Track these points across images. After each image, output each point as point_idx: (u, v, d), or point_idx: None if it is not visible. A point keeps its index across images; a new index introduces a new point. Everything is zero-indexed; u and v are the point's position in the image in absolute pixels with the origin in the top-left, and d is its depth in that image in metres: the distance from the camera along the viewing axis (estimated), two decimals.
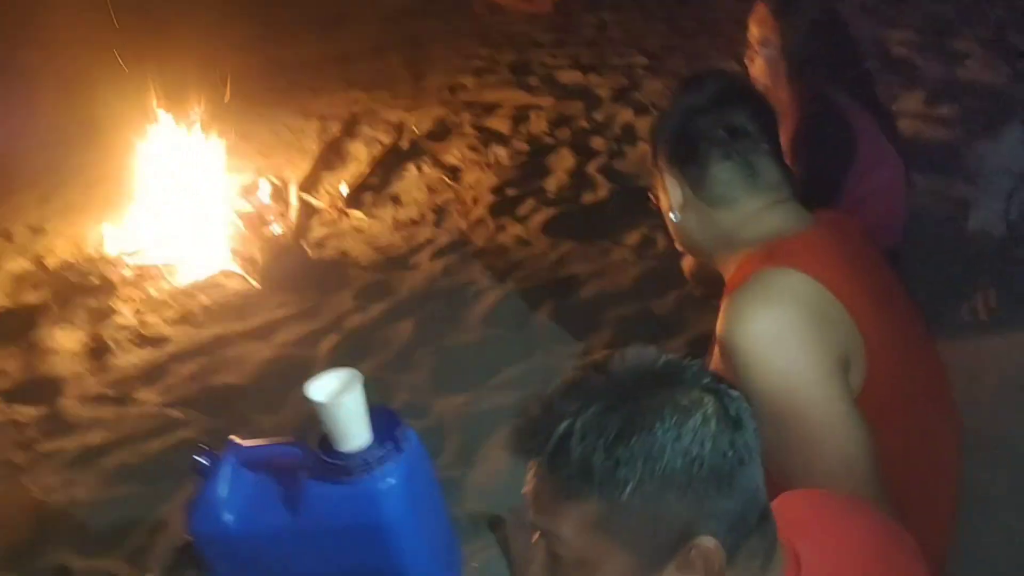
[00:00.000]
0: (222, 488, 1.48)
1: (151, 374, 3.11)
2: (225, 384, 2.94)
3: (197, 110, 4.18)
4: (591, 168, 3.88)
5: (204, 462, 1.50)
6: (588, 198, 3.66)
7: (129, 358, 3.25)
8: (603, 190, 3.68)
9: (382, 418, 1.46)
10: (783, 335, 1.11)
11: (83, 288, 3.78)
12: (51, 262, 4.14)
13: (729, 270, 1.27)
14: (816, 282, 1.13)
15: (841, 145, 2.10)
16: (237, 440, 1.55)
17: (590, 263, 3.17)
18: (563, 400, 0.93)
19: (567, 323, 2.84)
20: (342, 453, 1.39)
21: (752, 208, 1.25)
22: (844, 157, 2.11)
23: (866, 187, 2.13)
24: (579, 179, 3.83)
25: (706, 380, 0.89)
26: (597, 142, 4.07)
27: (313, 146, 4.70)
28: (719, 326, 1.17)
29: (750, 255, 1.23)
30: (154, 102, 4.12)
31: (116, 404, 2.99)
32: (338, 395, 1.37)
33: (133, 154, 4.09)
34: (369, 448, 1.40)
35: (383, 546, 1.43)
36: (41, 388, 3.16)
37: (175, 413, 2.85)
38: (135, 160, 4.09)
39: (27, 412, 3.04)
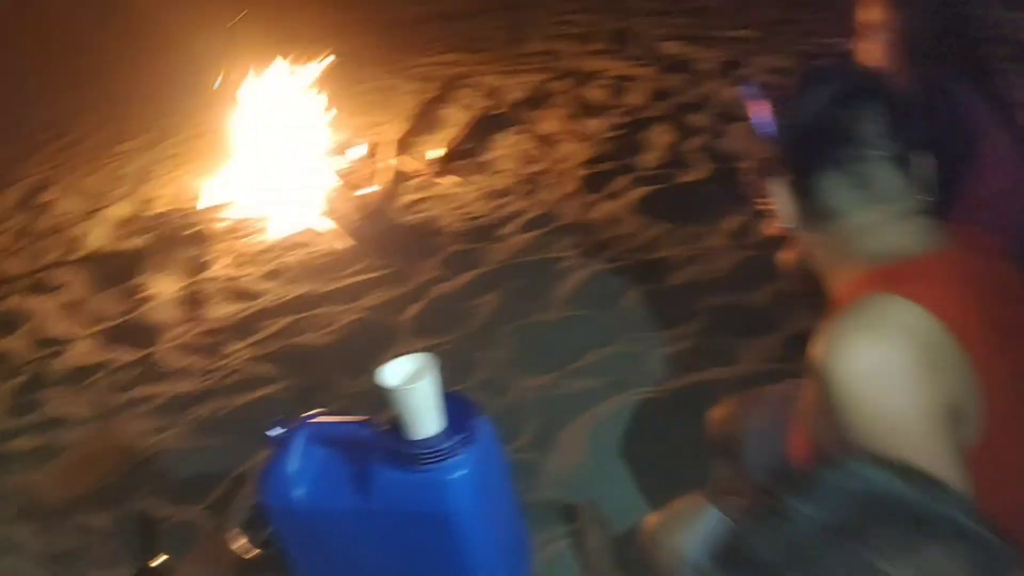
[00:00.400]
0: (293, 462, 1.48)
1: (240, 328, 3.18)
2: (309, 344, 2.98)
3: (299, 67, 4.23)
4: (690, 146, 3.75)
5: (278, 432, 1.51)
6: (685, 177, 3.53)
7: (221, 310, 3.34)
8: (701, 170, 3.55)
9: (456, 405, 1.43)
10: (887, 375, 1.00)
11: (182, 237, 3.90)
12: (154, 209, 4.29)
13: (838, 287, 1.17)
14: (932, 317, 1.02)
15: (958, 141, 1.93)
16: (312, 413, 1.55)
17: (683, 247, 3.06)
18: (756, 548, 0.64)
19: (654, 309, 2.76)
20: (412, 440, 1.37)
21: (866, 222, 1.14)
22: (962, 155, 1.94)
23: (986, 189, 1.97)
24: (676, 157, 3.70)
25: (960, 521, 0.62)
26: (698, 119, 3.92)
27: (410, 107, 4.70)
28: (817, 349, 1.07)
29: (862, 275, 1.12)
30: (255, 59, 4.19)
31: (207, 355, 3.07)
32: (411, 381, 1.34)
33: (236, 108, 4.17)
34: (440, 436, 1.38)
35: (449, 536, 1.41)
36: (138, 333, 3.28)
37: (261, 369, 2.91)
38: (237, 114, 4.18)
39: (124, 356, 3.16)
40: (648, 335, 2.65)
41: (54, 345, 3.31)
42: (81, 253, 3.98)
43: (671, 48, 4.80)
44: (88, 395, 2.96)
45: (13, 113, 6.21)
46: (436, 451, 1.37)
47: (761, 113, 1.33)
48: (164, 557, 2.12)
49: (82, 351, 3.23)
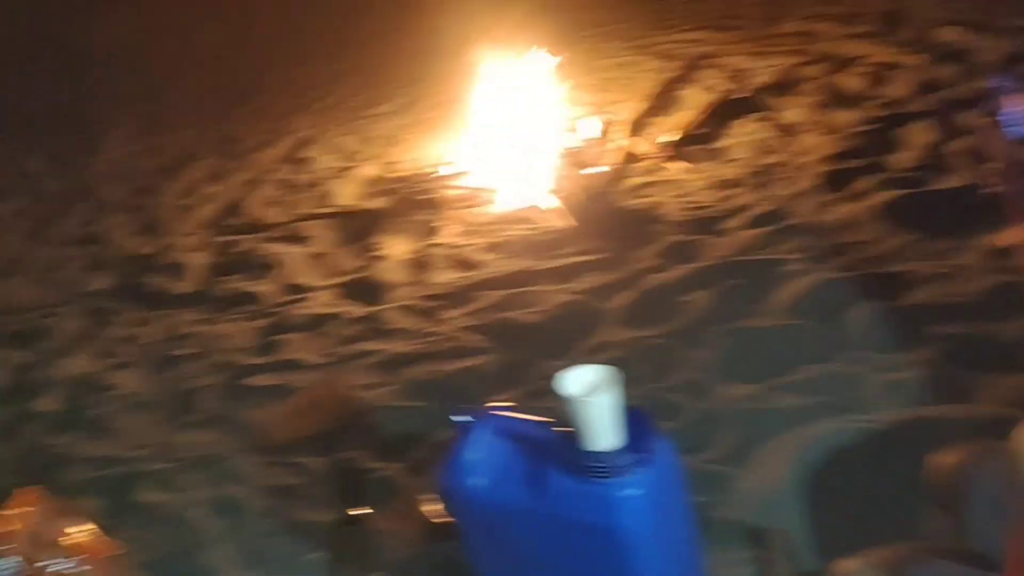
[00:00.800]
0: (474, 450, 1.52)
1: (459, 296, 3.31)
2: (519, 320, 3.05)
3: (540, 41, 4.28)
4: (954, 148, 3.36)
5: (462, 418, 1.56)
6: (942, 183, 3.18)
7: (444, 276, 3.49)
8: (963, 176, 3.17)
9: (636, 421, 1.39)
10: None
11: (418, 202, 4.12)
12: (397, 172, 4.56)
13: None
14: None
15: None
16: (497, 404, 1.59)
17: (928, 262, 2.77)
18: None
19: (885, 328, 2.52)
20: (588, 451, 1.35)
21: None
22: None
23: None
24: (936, 159, 3.33)
25: None
26: (968, 118, 3.50)
27: (647, 86, 4.60)
28: None
29: None
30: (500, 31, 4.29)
31: (426, 319, 3.24)
32: (590, 393, 1.32)
33: (479, 78, 4.31)
34: (617, 452, 1.35)
35: (617, 551, 1.39)
36: (369, 290, 3.52)
37: (473, 339, 3.02)
38: (480, 84, 4.31)
39: (355, 310, 3.41)
40: (873, 357, 2.43)
41: (298, 292, 3.63)
42: (330, 208, 4.32)
43: (948, 35, 4.30)
44: (320, 343, 3.23)
45: (288, 71, 6.86)
46: (611, 466, 1.35)
47: (1017, 110, 1.15)
48: (368, 510, 2.29)
49: (321, 301, 3.52)
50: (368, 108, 5.71)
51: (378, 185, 4.46)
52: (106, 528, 2.31)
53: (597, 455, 1.35)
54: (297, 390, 2.97)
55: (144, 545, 2.33)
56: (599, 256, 3.30)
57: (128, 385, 3.23)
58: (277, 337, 3.33)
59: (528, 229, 3.66)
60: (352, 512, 2.29)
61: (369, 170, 4.67)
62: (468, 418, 1.57)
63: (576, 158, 3.97)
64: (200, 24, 8.48)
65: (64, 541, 2.07)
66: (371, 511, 2.30)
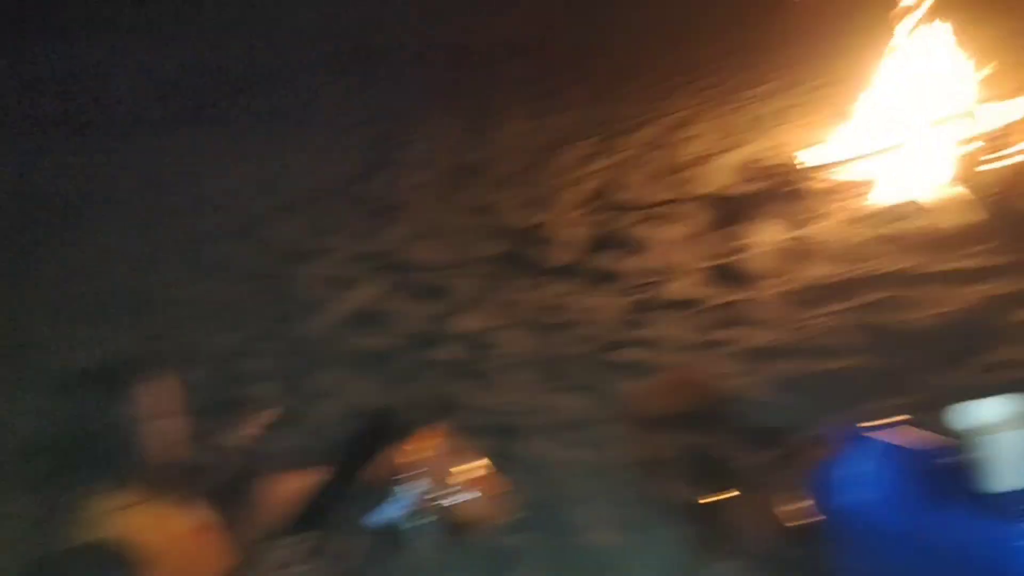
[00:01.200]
0: (860, 464, 1.47)
1: (835, 291, 3.17)
2: (904, 324, 2.84)
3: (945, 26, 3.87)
4: None
5: (852, 431, 1.52)
6: None
7: (818, 269, 3.36)
8: None
9: None
10: None
11: (793, 190, 3.99)
12: (772, 157, 4.45)
13: None
14: None
15: None
16: (894, 421, 1.52)
17: None
18: None
19: None
20: (991, 487, 1.25)
21: None
22: None
23: None
24: None
25: None
26: None
27: None
28: None
29: None
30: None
31: (796, 311, 3.15)
32: (997, 425, 1.21)
33: (866, 63, 4.03)
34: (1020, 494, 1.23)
35: None
36: (737, 277, 3.51)
37: (848, 338, 2.88)
38: (867, 70, 4.03)
39: (720, 296, 3.42)
40: None
41: (665, 272, 3.73)
42: (702, 191, 4.35)
43: None
44: (685, 325, 3.30)
45: (667, 53, 6.96)
46: (1014, 508, 1.24)
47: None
48: (727, 495, 2.32)
49: (686, 283, 3.59)
50: (746, 89, 5.62)
51: (753, 170, 4.39)
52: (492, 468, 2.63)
53: (999, 494, 1.24)
54: (661, 368, 3.08)
55: (517, 494, 2.59)
56: (1008, 259, 2.94)
57: (511, 345, 3.58)
58: (643, 315, 3.46)
59: (920, 224, 3.38)
60: (710, 498, 2.33)
61: (745, 154, 4.61)
62: (857, 429, 1.52)
63: (982, 147, 3.55)
64: (589, 13, 8.93)
65: (459, 476, 2.37)
66: (730, 498, 2.33)
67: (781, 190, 4.02)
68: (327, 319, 4.37)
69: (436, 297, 4.24)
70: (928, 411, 2.35)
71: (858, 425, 1.53)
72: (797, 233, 3.66)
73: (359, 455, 2.48)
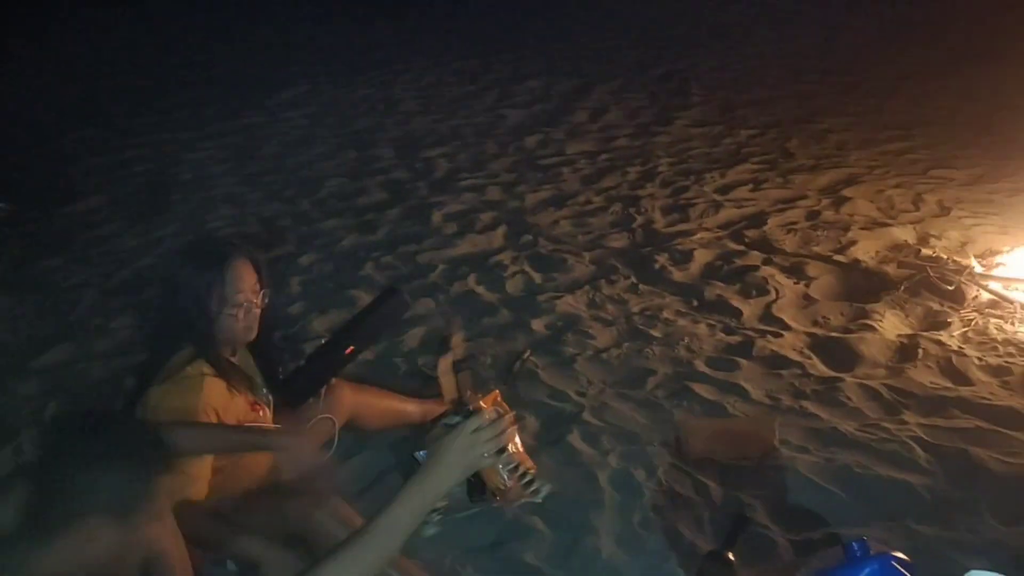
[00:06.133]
0: None
1: (931, 405, 3.07)
2: (986, 463, 2.73)
3: None
4: None
5: (852, 547, 1.54)
6: None
7: (924, 376, 3.26)
8: None
9: None
10: None
11: (937, 287, 3.84)
12: (930, 246, 4.28)
13: None
14: None
15: None
16: (896, 556, 1.53)
17: None
18: None
19: None
20: None
21: None
22: None
23: None
24: None
25: None
26: None
27: None
28: None
29: None
30: None
31: (883, 411, 3.07)
32: None
33: None
34: None
35: None
36: (842, 354, 3.43)
37: (921, 454, 2.81)
38: None
39: (817, 367, 3.37)
40: None
41: (775, 325, 3.70)
42: (843, 257, 4.24)
43: None
44: (772, 384, 3.28)
45: (866, 102, 6.68)
46: None
47: None
48: (730, 556, 2.36)
49: (790, 343, 3.55)
50: (933, 166, 5.37)
51: (904, 252, 4.24)
52: (533, 449, 2.76)
53: None
54: (730, 416, 3.10)
55: (554, 479, 2.70)
56: None
57: (600, 339, 3.67)
58: (737, 358, 3.45)
59: None
60: (723, 554, 2.38)
61: (902, 233, 4.45)
62: (859, 548, 1.55)
63: None
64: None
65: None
66: (735, 561, 2.36)
67: (930, 284, 3.88)
68: (439, 256, 4.57)
69: (549, 269, 4.36)
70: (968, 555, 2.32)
71: (866, 548, 1.54)
72: (921, 333, 3.54)
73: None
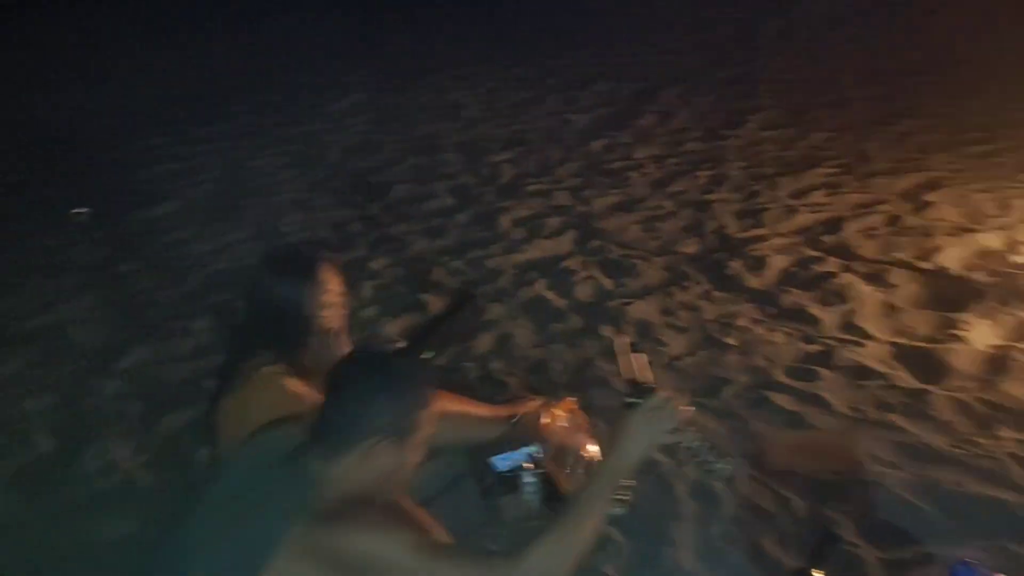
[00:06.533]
0: None
1: (992, 418, 2.93)
2: None
3: None
4: None
5: (956, 571, 1.46)
6: None
7: (1019, 389, 3.11)
8: None
9: None
10: None
11: None
12: (1016, 253, 4.10)
13: None
14: None
15: None
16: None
17: None
18: None
19: None
20: None
21: None
22: None
23: None
24: None
25: None
26: None
27: None
28: None
29: None
30: None
31: (973, 424, 2.94)
32: None
33: None
34: None
35: None
36: (928, 365, 3.30)
37: (1021, 472, 2.68)
38: None
39: (902, 378, 3.24)
40: None
41: (856, 334, 3.57)
42: (927, 264, 4.09)
43: None
44: (855, 395, 3.16)
45: (947, 104, 6.46)
46: None
47: None
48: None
49: (874, 354, 3.42)
50: (1021, 170, 5.15)
51: (993, 260, 4.06)
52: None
53: None
54: (812, 428, 3.00)
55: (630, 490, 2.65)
56: None
57: (674, 347, 3.59)
58: (817, 368, 3.35)
59: None
60: (811, 571, 2.29)
61: (991, 240, 4.26)
62: (970, 574, 1.46)
63: None
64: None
65: (576, 450, 2.46)
66: None
67: (1016, 292, 3.71)
68: (508, 261, 4.55)
69: (619, 274, 4.30)
70: None
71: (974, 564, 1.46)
72: (1013, 344, 3.38)
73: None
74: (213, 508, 1.66)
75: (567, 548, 1.56)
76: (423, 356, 2.80)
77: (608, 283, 4.21)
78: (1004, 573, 1.69)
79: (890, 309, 3.75)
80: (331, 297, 2.18)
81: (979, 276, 3.92)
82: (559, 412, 2.47)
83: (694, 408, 1.78)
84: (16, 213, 5.80)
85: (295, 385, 2.14)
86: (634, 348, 1.88)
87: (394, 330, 3.83)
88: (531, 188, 5.58)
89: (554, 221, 5.01)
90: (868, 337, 3.54)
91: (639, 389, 1.77)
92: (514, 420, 2.53)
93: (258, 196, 5.78)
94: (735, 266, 4.25)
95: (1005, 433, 2.87)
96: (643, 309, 3.91)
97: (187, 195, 5.89)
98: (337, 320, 2.23)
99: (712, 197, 5.20)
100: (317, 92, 8.39)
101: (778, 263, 4.25)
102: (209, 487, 1.72)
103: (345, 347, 2.44)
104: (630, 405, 1.72)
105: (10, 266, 4.91)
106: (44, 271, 4.80)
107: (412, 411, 1.66)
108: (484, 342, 3.71)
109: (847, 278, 4.02)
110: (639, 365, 1.83)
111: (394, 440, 1.63)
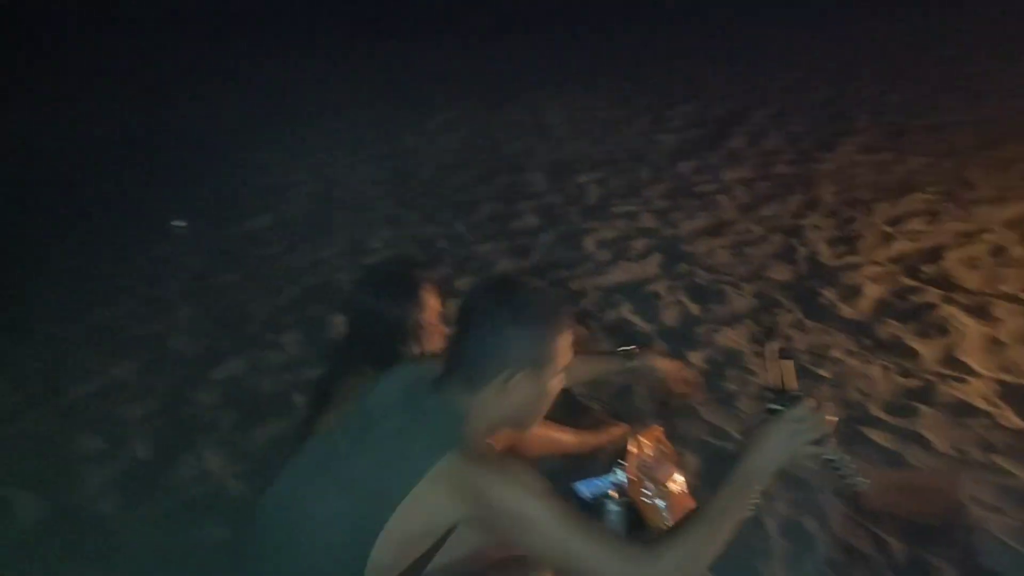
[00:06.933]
0: None
1: None
2: None
3: None
4: None
5: None
6: None
7: None
8: None
9: None
10: None
11: None
12: None
13: None
14: None
15: None
16: None
17: None
18: None
19: None
20: None
21: None
22: None
23: None
24: None
25: None
26: None
27: None
28: None
29: None
30: None
31: None
32: None
33: None
34: None
35: None
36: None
37: None
38: None
39: (1010, 419, 3.08)
40: None
41: (959, 370, 3.42)
42: None
43: None
44: (957, 434, 3.03)
45: None
46: None
47: None
48: None
49: (976, 390, 3.27)
50: None
51: None
52: (696, 489, 2.64)
53: None
54: (911, 467, 2.88)
55: None
56: None
57: (764, 376, 3.50)
58: (916, 404, 3.22)
59: None
60: None
61: None
62: None
63: None
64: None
65: (662, 480, 2.42)
66: None
67: None
68: (592, 283, 4.52)
69: (707, 300, 4.23)
70: None
71: None
72: None
73: None
74: (341, 433, 1.65)
75: (705, 548, 1.52)
76: None
77: (695, 308, 4.15)
78: None
79: (994, 344, 3.58)
80: (430, 316, 2.22)
81: None
82: (646, 441, 2.44)
83: (838, 419, 1.70)
84: (122, 223, 6.08)
85: None
86: (782, 355, 1.82)
87: None
88: (617, 209, 5.56)
89: (640, 243, 4.97)
90: (971, 373, 3.39)
91: (784, 396, 1.71)
92: (603, 449, 2.52)
93: (351, 211, 5.92)
94: (828, 294, 4.13)
95: None
96: (731, 337, 3.84)
97: (282, 209, 6.08)
98: (436, 339, 2.26)
99: (804, 222, 5.07)
100: (412, 109, 8.56)
101: (874, 292, 4.11)
102: (334, 417, 1.74)
103: None
104: (773, 412, 1.67)
105: (117, 275, 5.15)
106: (148, 280, 5.01)
107: (549, 340, 1.62)
108: None
109: (948, 310, 3.86)
110: (786, 372, 1.77)
111: (533, 370, 1.61)
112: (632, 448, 2.39)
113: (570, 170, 6.42)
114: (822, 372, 3.48)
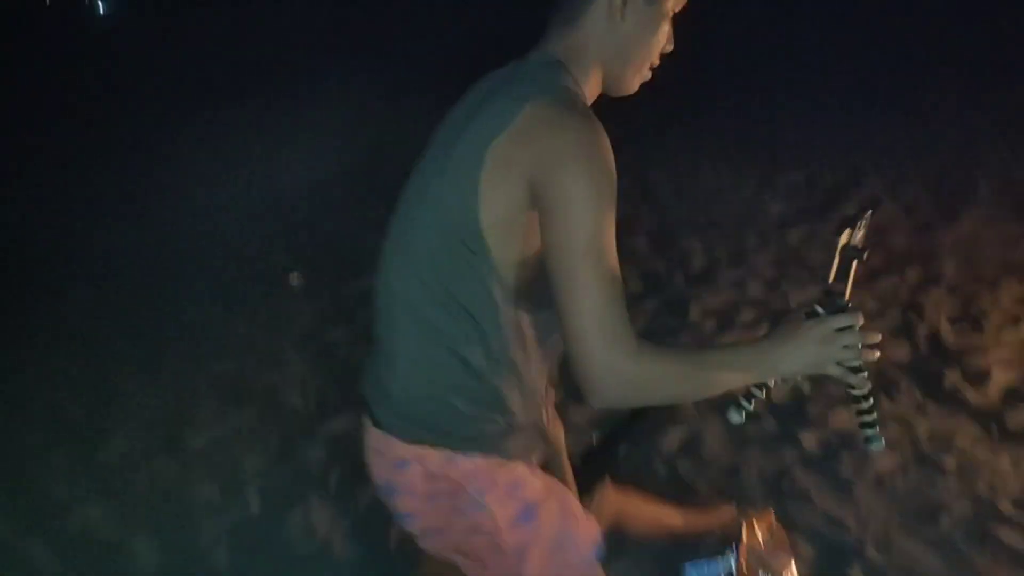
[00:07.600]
0: None
1: None
2: None
3: None
4: None
5: None
6: None
7: None
8: None
9: None
10: None
11: None
12: None
13: None
14: None
15: None
16: None
17: None
18: None
19: None
20: None
21: None
22: None
23: None
24: None
25: None
26: None
27: None
28: None
29: None
30: None
31: None
32: None
33: None
34: None
35: None
36: None
37: None
38: None
39: None
40: None
41: None
42: None
43: None
44: None
45: None
46: None
47: None
48: None
49: None
50: None
51: None
52: None
53: None
54: None
55: None
56: None
57: (882, 462, 3.35)
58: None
59: None
60: None
61: None
62: None
63: None
64: None
65: (777, 570, 2.33)
66: None
67: None
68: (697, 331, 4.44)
69: (821, 377, 4.08)
70: None
71: None
72: None
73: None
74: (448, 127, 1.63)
75: (681, 383, 1.40)
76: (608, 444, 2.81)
77: (807, 385, 4.01)
78: None
79: None
80: None
81: None
82: (759, 526, 2.37)
83: (878, 353, 1.48)
84: (242, 276, 6.37)
85: None
86: (855, 254, 1.62)
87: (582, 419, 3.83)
88: (723, 278, 5.47)
89: (748, 314, 4.87)
90: None
91: (831, 301, 1.52)
92: (711, 532, 2.46)
93: None
94: (952, 377, 3.93)
95: None
96: (846, 418, 3.69)
97: None
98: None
99: (923, 299, 4.87)
100: None
101: (1003, 378, 3.89)
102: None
103: None
104: (812, 314, 1.49)
105: (240, 328, 5.37)
106: (266, 332, 5.21)
107: None
108: (672, 439, 3.62)
109: None
110: (849, 273, 1.59)
111: None
112: (745, 533, 2.32)
113: (674, 235, 6.38)
114: (946, 461, 3.31)
